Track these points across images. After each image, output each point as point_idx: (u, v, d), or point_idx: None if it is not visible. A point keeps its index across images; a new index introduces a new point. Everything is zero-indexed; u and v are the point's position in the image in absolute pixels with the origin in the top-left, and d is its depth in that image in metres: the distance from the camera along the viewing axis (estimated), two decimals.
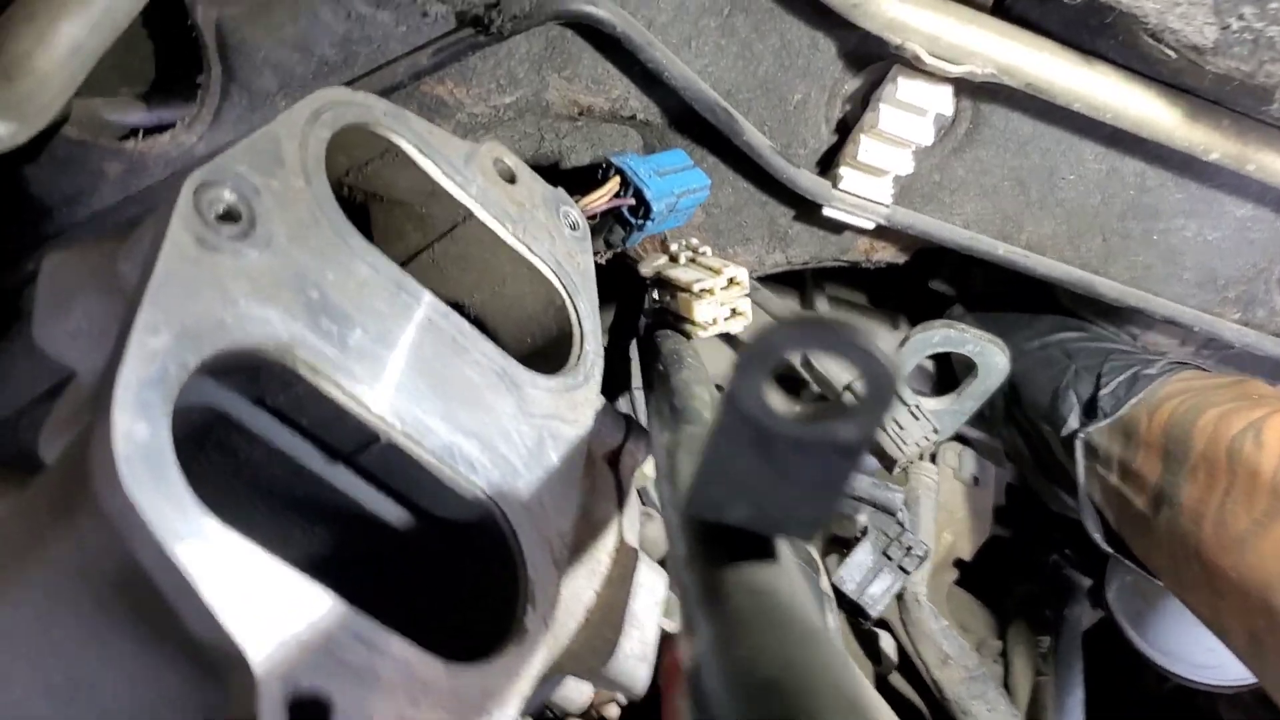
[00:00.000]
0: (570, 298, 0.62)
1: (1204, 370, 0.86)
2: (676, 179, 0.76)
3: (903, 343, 0.96)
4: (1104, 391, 0.85)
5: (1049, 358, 0.94)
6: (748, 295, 0.71)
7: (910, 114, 0.77)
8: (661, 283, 0.73)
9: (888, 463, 0.92)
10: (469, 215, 0.58)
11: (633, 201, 0.74)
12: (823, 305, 1.18)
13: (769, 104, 0.79)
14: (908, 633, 0.86)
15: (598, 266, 0.66)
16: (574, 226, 0.65)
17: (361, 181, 0.57)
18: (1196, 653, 1.06)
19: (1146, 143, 0.78)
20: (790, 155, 0.83)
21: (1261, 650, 0.66)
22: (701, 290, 0.69)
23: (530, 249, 0.60)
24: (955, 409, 1.00)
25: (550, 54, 0.72)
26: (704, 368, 0.68)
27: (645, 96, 0.77)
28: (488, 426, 0.49)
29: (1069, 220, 0.85)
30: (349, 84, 0.67)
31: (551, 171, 0.84)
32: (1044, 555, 1.16)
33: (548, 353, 0.62)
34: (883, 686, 0.93)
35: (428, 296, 0.50)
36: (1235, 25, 0.57)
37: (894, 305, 1.19)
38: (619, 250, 0.86)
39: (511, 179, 0.62)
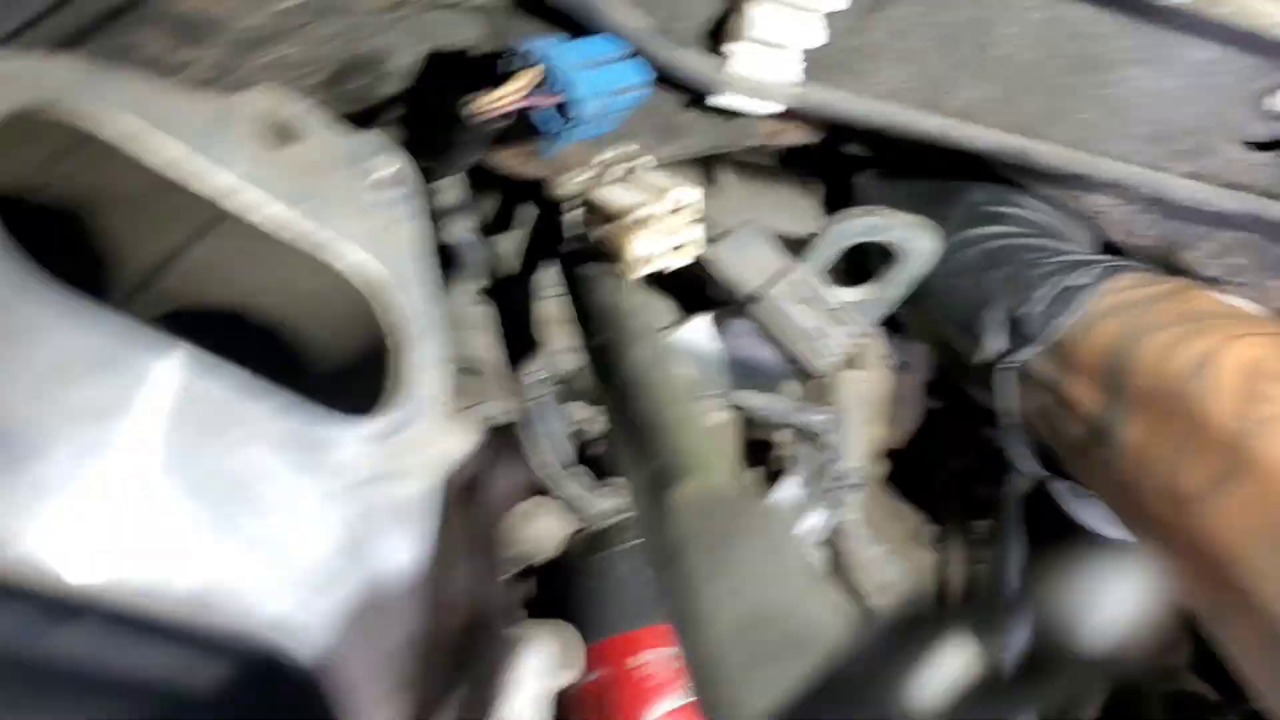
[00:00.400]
0: (388, 290, 0.47)
1: (1141, 270, 0.75)
2: (609, 72, 0.60)
3: (819, 235, 0.83)
4: (1031, 309, 0.74)
5: (965, 261, 0.81)
6: (700, 220, 0.56)
7: None
8: (586, 206, 0.58)
9: (805, 376, 0.81)
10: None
11: (560, 98, 0.58)
12: (728, 176, 1.03)
13: None
14: (840, 563, 0.77)
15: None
16: (386, 183, 0.50)
17: (62, 183, 0.40)
18: None
19: None
20: (672, 31, 0.66)
21: (1222, 620, 0.59)
22: (637, 220, 0.54)
23: (323, 234, 0.45)
24: (879, 298, 0.88)
25: None
26: (649, 325, 0.55)
27: None
28: (270, 537, 0.36)
29: (1006, 81, 0.72)
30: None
31: (381, 72, 0.67)
32: (977, 426, 1.09)
33: (385, 356, 0.48)
34: None
35: (178, 355, 0.35)
36: None
37: (806, 169, 1.05)
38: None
39: (293, 137, 0.46)
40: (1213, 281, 0.92)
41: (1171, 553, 0.62)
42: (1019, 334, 0.75)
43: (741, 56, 0.66)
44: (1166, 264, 0.91)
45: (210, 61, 0.56)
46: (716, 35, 0.68)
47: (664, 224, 0.54)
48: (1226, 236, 0.87)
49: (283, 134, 0.45)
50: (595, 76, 0.58)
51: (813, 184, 1.07)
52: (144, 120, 0.38)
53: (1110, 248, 0.91)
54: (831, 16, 0.66)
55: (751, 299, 0.81)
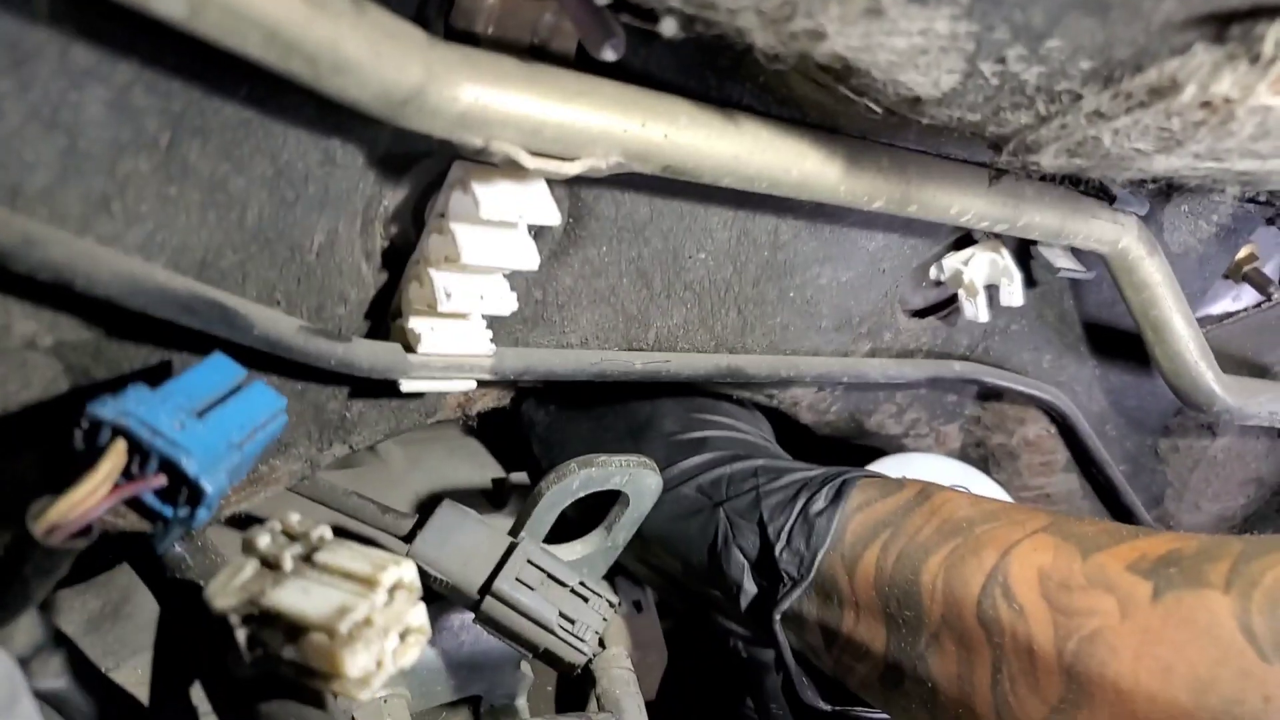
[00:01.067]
0: None
1: (864, 475, 0.71)
2: (231, 414, 0.42)
3: (532, 502, 0.71)
4: (778, 548, 0.67)
5: (683, 503, 0.73)
6: (421, 598, 0.40)
7: (491, 230, 0.51)
8: (261, 619, 0.39)
9: (570, 668, 0.67)
10: None
11: (162, 481, 0.39)
12: (384, 444, 0.88)
13: (275, 261, 0.48)
14: None
15: None
16: None
17: None
18: None
19: (772, 197, 0.61)
20: (328, 322, 0.52)
21: None
22: (352, 627, 0.37)
23: None
24: (608, 547, 0.78)
25: None
26: None
27: (47, 312, 0.42)
28: None
29: (699, 302, 0.66)
30: None
31: None
32: (722, 647, 1.01)
33: None
34: None
35: None
36: (989, 70, 0.38)
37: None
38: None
39: None
40: (898, 439, 0.93)
41: None
42: (773, 577, 0.67)
43: (426, 334, 0.53)
44: (857, 432, 0.91)
45: None
46: (374, 311, 0.55)
47: (381, 618, 0.39)
48: (901, 398, 0.89)
49: None
50: (208, 432, 0.41)
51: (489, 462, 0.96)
52: None
53: (800, 429, 0.89)
54: (515, 276, 0.56)
55: (479, 598, 0.66)
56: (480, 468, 0.96)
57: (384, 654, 0.39)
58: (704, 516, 0.72)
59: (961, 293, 0.77)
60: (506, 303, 0.54)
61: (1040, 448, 0.97)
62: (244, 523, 0.79)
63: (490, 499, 0.95)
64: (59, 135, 0.37)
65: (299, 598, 0.39)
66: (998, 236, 0.76)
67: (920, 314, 0.82)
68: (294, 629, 0.38)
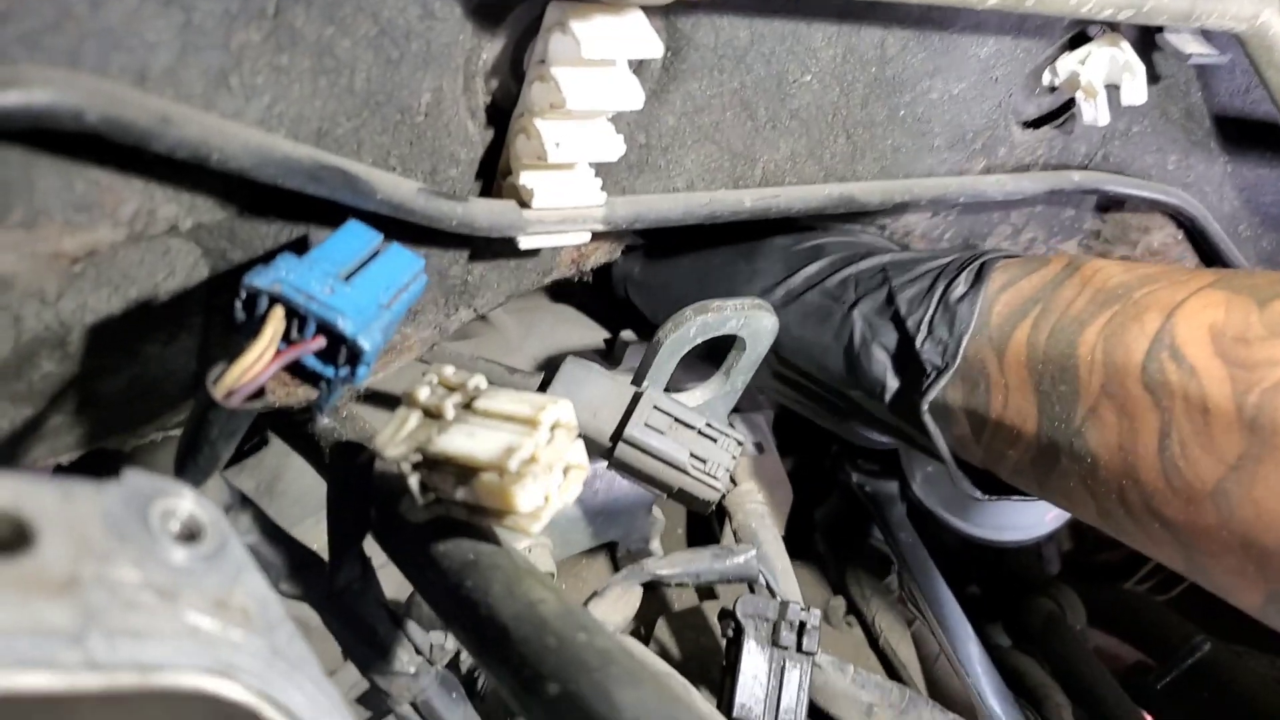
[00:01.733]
0: (266, 698, 0.30)
1: (1008, 255, 0.69)
2: (375, 276, 0.44)
3: (651, 351, 0.72)
4: (919, 340, 0.65)
5: (813, 310, 0.72)
6: (580, 435, 0.42)
7: (593, 70, 0.50)
8: (430, 465, 0.41)
9: (704, 506, 0.69)
10: None
11: (321, 343, 0.41)
12: (496, 312, 0.90)
13: (387, 125, 0.48)
14: (819, 703, 0.66)
15: None
16: (191, 534, 0.33)
17: None
18: (1016, 515, 0.98)
19: (879, 5, 0.58)
20: (443, 184, 0.53)
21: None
22: (520, 464, 0.39)
23: (132, 662, 0.28)
24: (728, 391, 0.79)
25: None
26: (563, 600, 0.40)
27: (186, 194, 0.43)
28: None
29: (806, 130, 0.64)
30: None
31: (78, 347, 0.48)
32: (837, 476, 1.03)
33: None
34: None
35: None
36: None
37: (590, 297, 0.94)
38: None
39: (19, 536, 0.28)
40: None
41: (1197, 549, 0.55)
42: (916, 369, 0.66)
43: (539, 187, 0.53)
44: None
45: None
46: (485, 169, 0.55)
47: (544, 456, 0.40)
48: (1016, 217, 0.86)
49: (4, 542, 0.27)
50: (357, 294, 0.42)
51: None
52: None
53: None
54: (619, 118, 0.55)
55: (611, 445, 0.68)
56: (589, 330, 0.97)
57: (551, 488, 0.41)
58: (836, 321, 0.71)
59: (1079, 95, 0.72)
60: (614, 147, 0.54)
61: (1166, 256, 0.93)
62: (379, 400, 0.82)
63: (604, 358, 0.96)
64: (175, 11, 0.37)
65: (466, 441, 0.40)
66: (1117, 29, 0.71)
67: (1035, 124, 0.78)
68: (464, 471, 0.40)
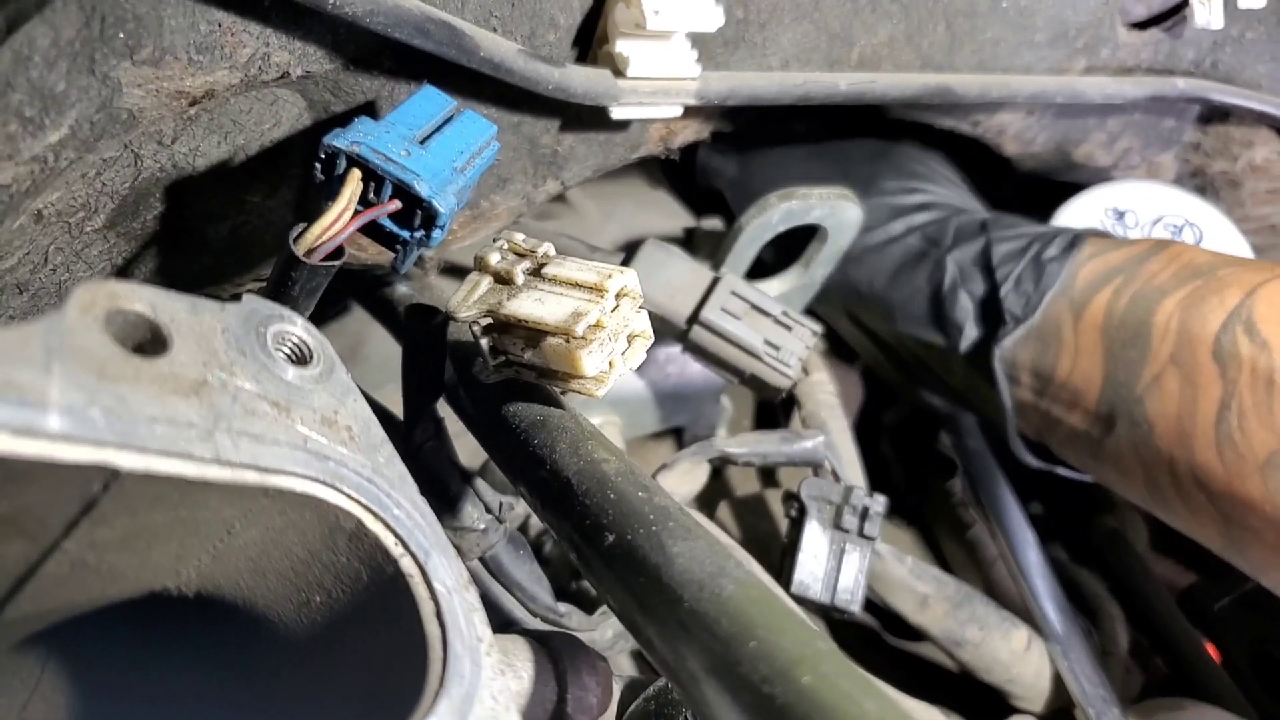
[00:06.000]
0: (364, 516, 0.32)
1: (1097, 233, 0.70)
2: (449, 141, 0.46)
3: (732, 236, 0.73)
4: (1004, 290, 0.67)
5: (906, 251, 0.73)
6: (642, 305, 0.43)
7: None
8: (500, 329, 0.43)
9: (775, 392, 0.70)
10: (109, 479, 0.27)
11: (397, 205, 0.43)
12: (575, 193, 0.91)
13: None
14: (876, 591, 0.68)
15: None
16: (301, 356, 0.35)
17: None
18: None
19: None
20: (540, 48, 0.53)
21: None
22: (586, 329, 0.40)
23: (253, 463, 0.30)
24: (807, 283, 0.79)
25: (101, 32, 0.37)
26: (625, 460, 0.42)
27: (298, 43, 0.44)
28: None
29: (905, 15, 0.63)
30: None
31: (188, 190, 0.50)
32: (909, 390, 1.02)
33: (369, 609, 0.33)
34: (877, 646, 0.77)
35: None
36: None
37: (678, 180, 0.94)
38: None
39: (156, 340, 0.30)
40: (1107, 171, 0.88)
41: (1244, 527, 0.56)
42: (996, 317, 0.68)
43: (634, 56, 0.53)
44: (1063, 165, 0.86)
45: None
46: (582, 37, 0.56)
47: (610, 322, 0.41)
48: (1113, 124, 0.84)
49: (139, 338, 0.30)
50: (432, 158, 0.44)
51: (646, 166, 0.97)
52: None
53: (999, 163, 0.85)
54: None
55: (687, 327, 0.70)
56: (670, 217, 0.98)
57: (615, 354, 0.42)
58: (929, 263, 0.72)
59: None
60: (712, 18, 0.54)
61: (1269, 173, 0.90)
62: (459, 274, 0.84)
63: (683, 246, 0.97)
64: None
65: (534, 306, 0.41)
66: None
67: (1143, 25, 0.75)
68: (533, 334, 0.41)
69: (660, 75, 0.55)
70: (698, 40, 0.57)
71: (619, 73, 0.54)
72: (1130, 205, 0.84)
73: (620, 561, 0.37)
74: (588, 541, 0.39)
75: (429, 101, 0.47)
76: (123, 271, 0.53)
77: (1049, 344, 0.65)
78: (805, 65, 0.62)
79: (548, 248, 0.45)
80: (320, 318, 0.89)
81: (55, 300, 0.52)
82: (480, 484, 0.59)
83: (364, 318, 0.87)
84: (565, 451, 0.43)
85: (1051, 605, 0.83)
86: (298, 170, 0.54)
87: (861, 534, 0.63)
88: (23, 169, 0.39)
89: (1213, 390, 0.56)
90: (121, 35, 0.38)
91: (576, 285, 0.42)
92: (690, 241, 0.93)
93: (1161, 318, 0.59)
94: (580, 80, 0.53)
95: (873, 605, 0.72)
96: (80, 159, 0.42)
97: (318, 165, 0.44)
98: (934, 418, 1.00)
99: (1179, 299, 0.59)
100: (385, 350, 0.86)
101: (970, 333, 0.69)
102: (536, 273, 0.44)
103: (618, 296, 0.42)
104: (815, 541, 0.62)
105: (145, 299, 0.30)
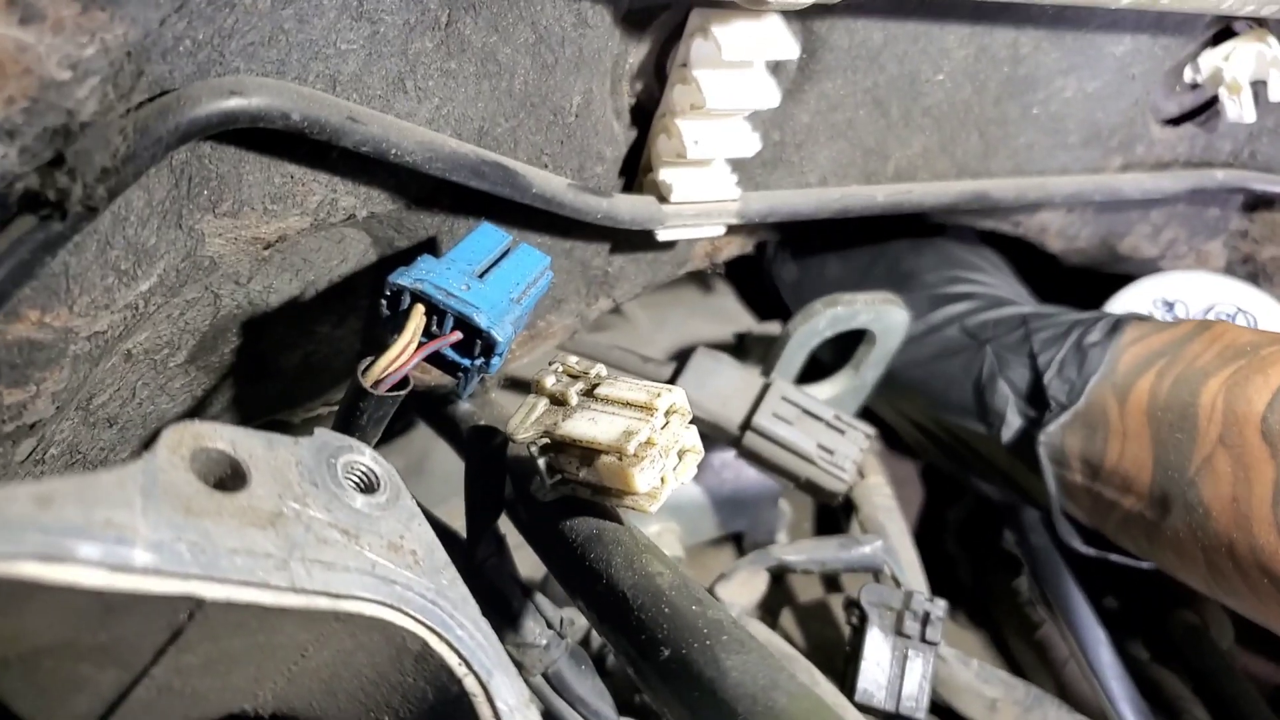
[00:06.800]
0: (429, 638, 0.34)
1: (1139, 316, 0.70)
2: (506, 273, 0.49)
3: (781, 344, 0.75)
4: (1047, 377, 0.67)
5: (945, 342, 0.75)
6: (691, 420, 0.45)
7: (732, 72, 0.53)
8: (556, 448, 0.45)
9: (830, 497, 0.71)
10: (194, 608, 0.29)
11: (458, 336, 0.46)
12: (629, 304, 0.94)
13: (541, 125, 0.52)
14: (942, 696, 0.67)
15: None
16: (369, 484, 0.37)
17: None
18: None
19: (1012, 6, 0.59)
20: (589, 180, 0.56)
21: None
22: (637, 447, 0.42)
23: (325, 589, 0.32)
24: (858, 385, 0.80)
25: (188, 191, 0.41)
26: (679, 574, 0.43)
27: (363, 188, 0.48)
28: None
29: (938, 127, 0.65)
30: None
31: (262, 324, 0.54)
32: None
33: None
34: None
35: None
36: None
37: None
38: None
39: (236, 475, 0.32)
40: (1154, 262, 0.89)
41: None
42: (1040, 404, 0.68)
43: (677, 183, 0.56)
44: (1110, 258, 0.87)
45: (55, 388, 0.42)
46: (628, 166, 0.59)
47: (661, 439, 0.43)
48: (1156, 216, 0.84)
49: (219, 475, 0.32)
50: (490, 290, 0.46)
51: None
52: (43, 549, 0.25)
53: (1044, 263, 0.86)
54: (754, 117, 0.57)
55: (740, 433, 0.71)
56: (721, 323, 1.00)
57: (666, 470, 0.43)
58: (968, 354, 0.73)
59: (1223, 92, 0.71)
60: (750, 143, 0.56)
61: None
62: (519, 388, 0.87)
63: (734, 353, 0.99)
64: (365, 23, 0.42)
65: (588, 426, 0.43)
66: (1263, 23, 0.70)
67: (1175, 121, 0.77)
68: (587, 453, 0.43)
69: (702, 199, 0.58)
70: (737, 164, 0.60)
71: (663, 199, 0.57)
72: (1179, 295, 0.84)
73: (676, 676, 0.38)
74: (644, 656, 0.40)
75: (486, 237, 0.50)
76: (202, 402, 0.56)
77: (1096, 429, 0.65)
78: (842, 180, 0.65)
79: (599, 369, 0.47)
80: (387, 434, 0.92)
81: (141, 431, 0.55)
82: (541, 599, 0.60)
83: (428, 433, 0.90)
84: (620, 565, 0.44)
85: (1128, 707, 0.80)
86: (364, 302, 0.58)
87: (924, 639, 0.62)
88: (117, 316, 0.42)
89: (1265, 470, 0.56)
90: (206, 192, 0.42)
91: (628, 404, 0.44)
92: (741, 347, 0.94)
93: (1207, 399, 0.59)
94: (627, 208, 0.56)
95: (941, 710, 0.71)
96: (167, 302, 0.45)
97: (384, 301, 0.47)
98: (998, 514, 0.99)
99: (1223, 379, 0.59)
100: (448, 465, 0.88)
101: (1013, 421, 0.69)
102: (589, 393, 0.46)
103: (667, 414, 0.44)
104: (877, 649, 0.62)
105: (226, 438, 0.33)
